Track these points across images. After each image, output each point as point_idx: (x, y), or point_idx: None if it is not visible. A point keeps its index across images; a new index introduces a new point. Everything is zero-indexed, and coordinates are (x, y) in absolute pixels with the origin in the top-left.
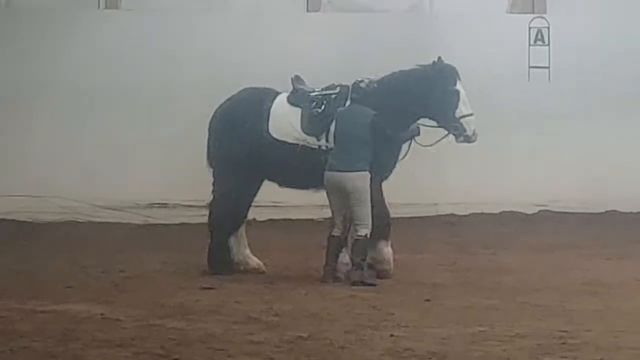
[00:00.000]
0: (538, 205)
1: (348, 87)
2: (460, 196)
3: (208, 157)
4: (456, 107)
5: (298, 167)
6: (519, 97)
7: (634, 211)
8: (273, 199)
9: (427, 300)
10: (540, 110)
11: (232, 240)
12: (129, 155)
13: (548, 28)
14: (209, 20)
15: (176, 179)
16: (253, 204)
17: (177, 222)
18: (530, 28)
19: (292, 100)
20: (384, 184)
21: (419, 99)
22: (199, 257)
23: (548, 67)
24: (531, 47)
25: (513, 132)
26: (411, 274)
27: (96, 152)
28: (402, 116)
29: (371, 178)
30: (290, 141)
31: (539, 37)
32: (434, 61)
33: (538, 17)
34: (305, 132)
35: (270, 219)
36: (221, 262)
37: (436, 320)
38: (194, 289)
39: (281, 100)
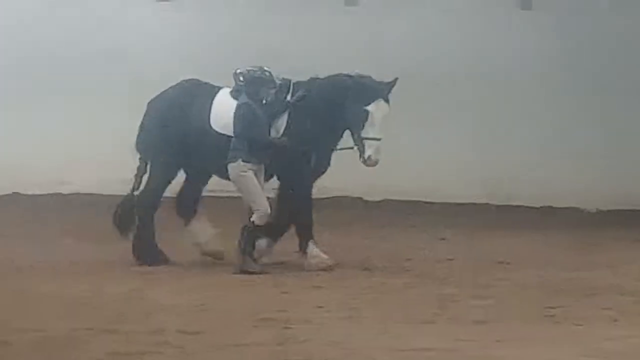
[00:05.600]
0: None
1: (289, 80)
2: None
3: (139, 144)
4: (362, 128)
5: None
6: None
7: None
8: None
9: None
10: None
11: None
12: None
13: None
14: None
15: None
16: None
17: None
18: None
19: (234, 95)
20: None
21: (337, 110)
22: None
23: None
24: None
25: None
26: None
27: None
28: (327, 122)
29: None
30: (230, 134)
31: None
32: (361, 77)
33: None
34: None
35: None
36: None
37: None
38: None
39: (224, 93)
